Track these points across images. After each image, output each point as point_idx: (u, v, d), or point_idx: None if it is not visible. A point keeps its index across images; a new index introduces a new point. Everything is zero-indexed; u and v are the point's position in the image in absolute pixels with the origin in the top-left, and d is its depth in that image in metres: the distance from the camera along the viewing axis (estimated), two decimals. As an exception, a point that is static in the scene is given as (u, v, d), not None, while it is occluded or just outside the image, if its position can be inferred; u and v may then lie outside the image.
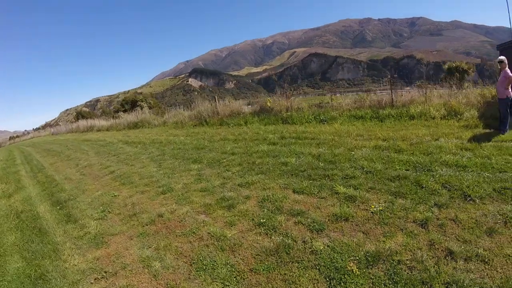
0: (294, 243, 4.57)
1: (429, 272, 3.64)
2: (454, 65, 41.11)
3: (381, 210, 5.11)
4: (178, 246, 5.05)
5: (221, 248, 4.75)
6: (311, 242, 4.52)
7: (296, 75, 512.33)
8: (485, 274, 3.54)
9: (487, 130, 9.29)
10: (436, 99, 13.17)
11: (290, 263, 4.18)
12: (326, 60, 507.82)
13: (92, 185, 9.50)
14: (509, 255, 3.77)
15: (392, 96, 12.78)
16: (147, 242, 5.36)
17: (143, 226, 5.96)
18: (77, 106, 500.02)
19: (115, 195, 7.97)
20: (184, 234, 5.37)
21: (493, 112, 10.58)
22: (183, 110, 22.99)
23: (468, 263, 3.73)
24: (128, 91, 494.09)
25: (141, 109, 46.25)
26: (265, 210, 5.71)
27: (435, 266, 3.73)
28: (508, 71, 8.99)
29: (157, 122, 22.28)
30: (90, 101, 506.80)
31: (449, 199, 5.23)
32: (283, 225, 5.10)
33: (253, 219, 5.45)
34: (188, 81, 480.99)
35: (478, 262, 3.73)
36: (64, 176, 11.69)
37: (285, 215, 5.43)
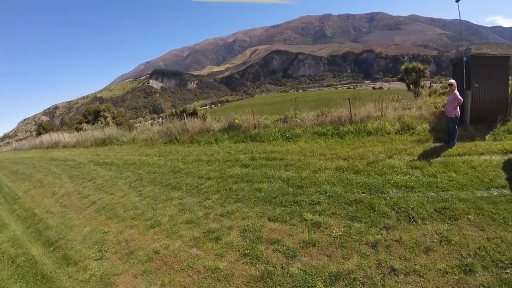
0: (275, 269, 5.63)
1: (377, 286, 4.80)
2: (410, 65, 43.54)
3: (341, 235, 6.30)
4: (181, 281, 5.89)
5: (217, 279, 5.69)
6: (287, 267, 5.60)
7: (259, 73, 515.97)
8: (420, 285, 4.67)
9: (437, 144, 10.65)
10: (392, 112, 14.63)
11: (274, 287, 5.23)
12: (288, 57, 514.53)
13: (77, 219, 9.92)
14: (440, 269, 4.88)
15: (351, 112, 14.04)
16: (152, 279, 6.11)
17: (143, 263, 6.67)
18: (36, 114, 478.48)
19: (105, 232, 8.53)
20: (183, 269, 6.20)
21: (443, 126, 11.85)
22: (151, 124, 23.41)
23: (407, 277, 4.87)
24: (88, 96, 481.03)
25: (105, 119, 46.00)
26: (247, 240, 6.71)
27: (381, 281, 4.88)
28: (457, 93, 10.14)
29: (125, 138, 22.52)
30: (49, 109, 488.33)
31: (396, 221, 6.44)
32: (264, 254, 6.12)
33: (238, 250, 6.42)
34: (149, 83, 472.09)
35: (415, 276, 4.86)
36: (44, 208, 11.90)
37: (265, 243, 6.48)
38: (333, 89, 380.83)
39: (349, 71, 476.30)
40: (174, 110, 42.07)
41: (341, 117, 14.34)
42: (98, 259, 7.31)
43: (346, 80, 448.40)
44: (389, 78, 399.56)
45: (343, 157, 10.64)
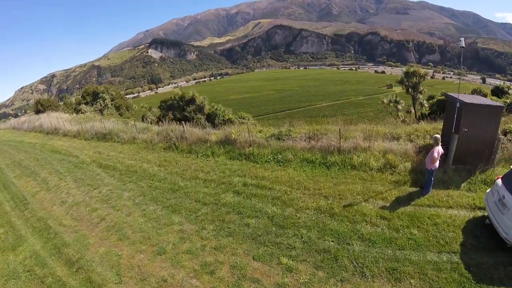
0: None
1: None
2: (411, 69, 44.93)
3: (306, 282, 8.07)
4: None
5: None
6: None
7: (260, 47, 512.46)
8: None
9: (413, 189, 11.76)
10: (379, 143, 15.84)
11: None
12: (291, 33, 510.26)
13: (91, 237, 11.54)
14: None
15: (340, 143, 15.73)
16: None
17: (157, 290, 8.52)
18: (33, 83, 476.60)
19: (119, 255, 10.19)
20: (188, 298, 8.06)
21: (423, 168, 12.21)
22: (151, 123, 24.78)
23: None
24: (85, 64, 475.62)
25: (103, 101, 47.18)
26: (235, 277, 8.53)
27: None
28: (437, 150, 10.75)
29: (126, 136, 23.82)
30: (46, 77, 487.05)
31: (351, 275, 8.11)
32: (247, 292, 7.91)
33: (228, 285, 8.33)
34: (148, 52, 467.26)
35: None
36: (56, 220, 13.44)
37: (248, 281, 8.33)
38: (335, 68, 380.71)
39: (353, 52, 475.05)
40: (172, 96, 43.46)
41: (330, 146, 15.93)
42: (117, 283, 9.03)
43: (348, 60, 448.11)
44: (392, 63, 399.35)
45: (325, 194, 12.27)
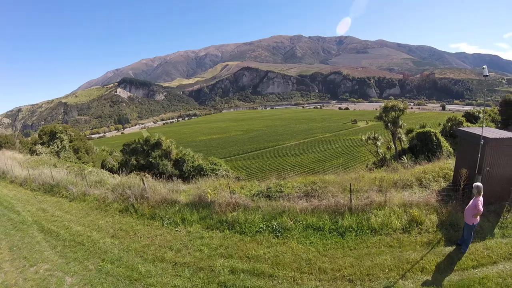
0: None
1: None
2: (390, 104, 42.81)
3: None
4: None
5: None
6: None
7: (228, 88, 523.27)
8: None
9: (449, 248, 9.91)
10: (394, 194, 12.97)
11: None
12: (258, 74, 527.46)
13: None
14: None
15: (351, 200, 12.18)
16: None
17: None
18: None
19: None
20: None
21: (452, 218, 11.26)
22: (111, 170, 20.18)
23: None
24: (53, 100, 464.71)
25: (61, 142, 42.09)
26: None
27: None
28: (480, 201, 9.36)
29: (75, 190, 18.94)
30: (11, 111, 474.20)
31: None
32: None
33: None
34: (116, 92, 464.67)
35: None
36: None
37: None
38: (301, 107, 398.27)
39: (317, 90, 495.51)
40: (136, 139, 38.96)
41: (339, 204, 12.36)
42: None
43: (313, 99, 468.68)
44: (354, 99, 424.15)
45: (348, 276, 8.92)
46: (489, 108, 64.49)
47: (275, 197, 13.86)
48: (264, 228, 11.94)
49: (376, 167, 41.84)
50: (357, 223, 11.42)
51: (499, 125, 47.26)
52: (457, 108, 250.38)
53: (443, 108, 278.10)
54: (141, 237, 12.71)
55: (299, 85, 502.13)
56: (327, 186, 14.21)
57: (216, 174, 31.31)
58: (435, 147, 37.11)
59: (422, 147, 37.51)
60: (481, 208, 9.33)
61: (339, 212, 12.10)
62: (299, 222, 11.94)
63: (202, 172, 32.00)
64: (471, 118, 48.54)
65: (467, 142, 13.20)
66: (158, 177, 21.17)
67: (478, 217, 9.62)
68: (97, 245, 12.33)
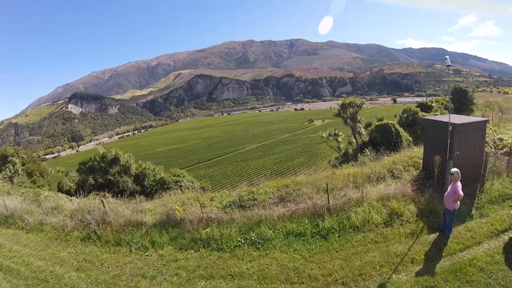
0: None
1: None
2: (347, 101, 43.45)
3: None
4: None
5: None
6: None
7: (183, 97, 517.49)
8: None
9: (434, 235, 9.99)
10: (370, 189, 12.81)
11: None
12: (212, 81, 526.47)
13: None
14: None
15: (328, 200, 11.69)
16: None
17: None
18: None
19: None
20: None
21: (430, 206, 11.42)
22: (68, 192, 18.38)
23: None
24: (2, 122, 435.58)
25: (13, 166, 38.99)
26: None
27: None
28: (459, 186, 9.43)
29: (32, 220, 16.71)
30: None
31: None
32: None
33: None
34: (67, 108, 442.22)
35: None
36: None
37: None
38: (257, 111, 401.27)
39: (271, 94, 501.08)
40: (92, 156, 36.59)
41: (317, 206, 11.80)
42: None
43: (268, 102, 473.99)
44: (309, 100, 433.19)
45: (341, 279, 8.42)
46: (440, 98, 67.89)
47: (249, 206, 12.99)
48: (243, 241, 11.00)
49: (339, 162, 42.38)
50: (338, 223, 10.93)
51: (452, 112, 49.51)
52: (407, 100, 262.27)
53: (394, 101, 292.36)
54: (109, 267, 11.20)
55: (253, 89, 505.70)
56: (301, 188, 13.65)
57: (180, 186, 29.94)
58: (394, 137, 37.96)
59: (382, 138, 38.31)
60: (461, 192, 9.36)
61: (318, 214, 11.54)
62: (279, 230, 11.19)
63: (165, 186, 30.37)
64: (425, 108, 50.93)
65: (434, 129, 13.48)
66: (119, 196, 19.54)
67: (459, 202, 9.64)
68: (63, 281, 10.69)
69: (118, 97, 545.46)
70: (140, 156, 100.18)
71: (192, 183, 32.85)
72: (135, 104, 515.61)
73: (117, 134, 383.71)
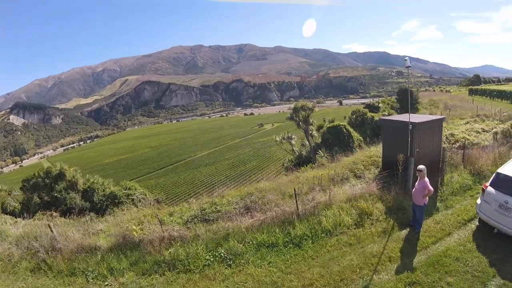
0: None
1: None
2: (299, 104, 43.91)
3: None
4: None
5: None
6: None
7: (129, 105, 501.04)
8: None
9: (405, 232, 10.16)
10: (336, 190, 12.64)
11: None
12: (160, 88, 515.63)
13: None
14: None
15: (297, 204, 11.24)
16: None
17: None
18: None
19: None
20: None
21: (397, 203, 11.57)
22: (13, 213, 16.24)
23: None
24: None
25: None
26: None
27: None
28: (427, 182, 9.64)
29: None
30: None
31: None
32: None
33: None
34: (9, 119, 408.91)
35: None
36: None
37: None
38: (207, 117, 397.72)
39: (221, 99, 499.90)
40: (36, 172, 33.65)
41: (286, 213, 11.23)
42: None
43: (218, 108, 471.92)
44: (258, 104, 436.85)
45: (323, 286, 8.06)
46: (386, 98, 70.68)
47: (213, 219, 12.03)
48: (212, 259, 9.99)
49: (294, 165, 42.76)
50: (310, 229, 10.49)
51: (398, 112, 51.84)
52: (353, 102, 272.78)
53: (340, 103, 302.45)
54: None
55: (202, 95, 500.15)
56: (266, 195, 13.03)
57: (133, 199, 28.24)
58: (346, 138, 38.95)
59: (334, 139, 39.24)
60: (431, 188, 9.57)
61: (288, 221, 10.98)
62: (249, 242, 10.39)
63: (116, 200, 28.34)
64: (373, 108, 53.51)
65: (393, 129, 13.99)
66: (68, 215, 17.69)
67: (427, 197, 9.86)
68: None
69: (62, 106, 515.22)
70: (87, 168, 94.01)
71: (145, 195, 31.13)
72: (80, 114, 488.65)
73: (62, 146, 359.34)
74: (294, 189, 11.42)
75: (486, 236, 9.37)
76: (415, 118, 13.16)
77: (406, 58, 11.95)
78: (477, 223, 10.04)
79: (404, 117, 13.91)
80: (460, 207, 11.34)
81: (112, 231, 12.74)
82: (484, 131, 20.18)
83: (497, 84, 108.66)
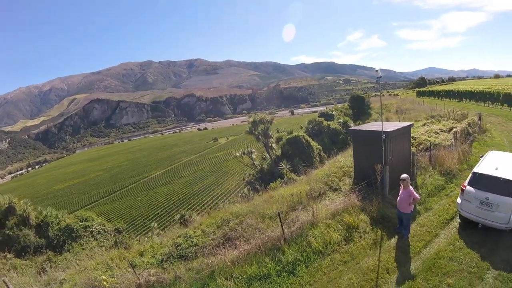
0: None
1: None
2: (258, 117, 43.42)
3: None
4: None
5: None
6: None
7: (78, 125, 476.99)
8: None
9: (395, 240, 10.04)
10: (318, 206, 11.83)
11: None
12: (109, 106, 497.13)
13: None
14: None
15: (282, 228, 10.39)
16: None
17: None
18: None
19: None
20: None
21: (382, 213, 11.29)
22: None
23: None
24: None
25: None
26: None
27: None
28: (412, 190, 9.64)
29: None
30: None
31: None
32: None
33: None
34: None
35: None
36: None
37: None
38: (159, 134, 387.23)
39: (173, 115, 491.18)
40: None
41: (271, 238, 10.34)
42: None
43: (170, 124, 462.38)
44: (211, 119, 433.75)
45: None
46: (339, 106, 72.51)
47: (192, 255, 10.65)
48: None
49: (256, 178, 42.24)
50: (301, 253, 9.74)
51: (352, 118, 52.95)
52: (304, 111, 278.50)
53: (292, 113, 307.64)
54: None
55: (154, 112, 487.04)
56: (244, 219, 11.96)
57: (91, 231, 26.12)
58: (306, 148, 39.00)
59: (294, 150, 39.24)
60: (417, 195, 9.75)
61: (276, 247, 10.08)
62: (239, 278, 9.21)
63: (73, 234, 25.88)
64: (327, 116, 54.94)
65: (365, 138, 13.84)
66: (23, 254, 15.87)
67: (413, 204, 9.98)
68: None
69: (8, 129, 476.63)
70: (38, 197, 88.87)
71: (104, 226, 28.88)
72: (27, 136, 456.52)
73: (10, 173, 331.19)
74: (279, 213, 10.64)
75: (470, 232, 9.76)
76: (386, 126, 13.07)
77: (377, 69, 11.95)
78: (459, 221, 10.48)
79: (374, 126, 14.29)
80: (439, 207, 11.69)
81: (76, 280, 10.68)
82: (442, 131, 20.94)
83: (442, 84, 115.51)
